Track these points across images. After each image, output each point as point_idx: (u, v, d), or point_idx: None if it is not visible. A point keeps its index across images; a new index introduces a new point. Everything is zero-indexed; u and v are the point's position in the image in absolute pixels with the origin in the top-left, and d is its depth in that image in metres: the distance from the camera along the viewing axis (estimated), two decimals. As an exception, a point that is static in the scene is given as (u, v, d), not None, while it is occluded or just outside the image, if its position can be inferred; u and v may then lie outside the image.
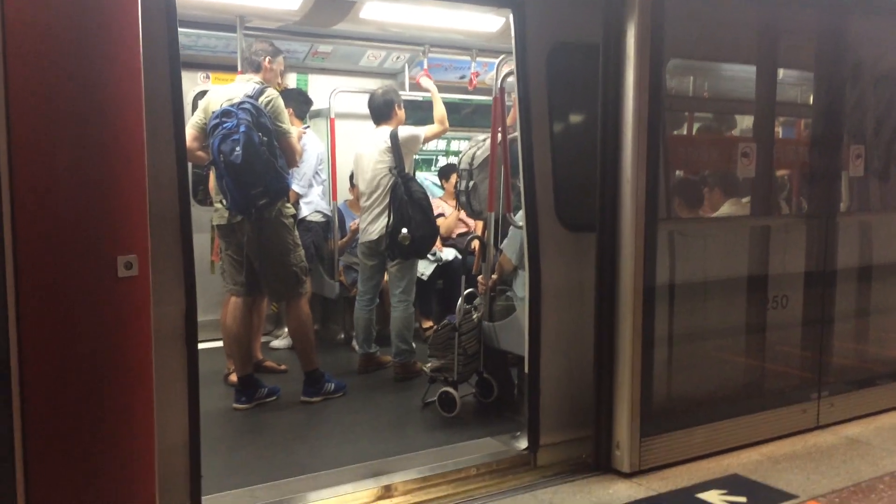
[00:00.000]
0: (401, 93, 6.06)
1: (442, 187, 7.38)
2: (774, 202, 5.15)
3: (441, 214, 7.08)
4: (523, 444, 4.09)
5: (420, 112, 6.23)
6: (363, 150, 5.77)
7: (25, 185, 2.53)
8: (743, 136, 5.12)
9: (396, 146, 5.50)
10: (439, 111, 5.66)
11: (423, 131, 5.64)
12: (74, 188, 2.61)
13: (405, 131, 5.58)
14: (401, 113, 5.73)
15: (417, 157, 7.59)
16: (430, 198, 7.26)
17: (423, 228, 5.43)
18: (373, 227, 5.64)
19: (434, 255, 6.70)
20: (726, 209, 4.86)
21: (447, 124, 5.69)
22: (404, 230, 5.39)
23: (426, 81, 5.91)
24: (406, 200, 5.43)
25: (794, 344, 4.86)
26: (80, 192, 2.62)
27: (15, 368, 2.55)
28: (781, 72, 4.97)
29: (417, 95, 6.47)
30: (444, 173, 7.30)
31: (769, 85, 4.78)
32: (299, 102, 6.08)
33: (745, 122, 5.31)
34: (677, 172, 4.72)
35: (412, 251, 5.52)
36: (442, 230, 6.69)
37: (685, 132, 5.07)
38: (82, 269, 2.64)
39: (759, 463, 4.13)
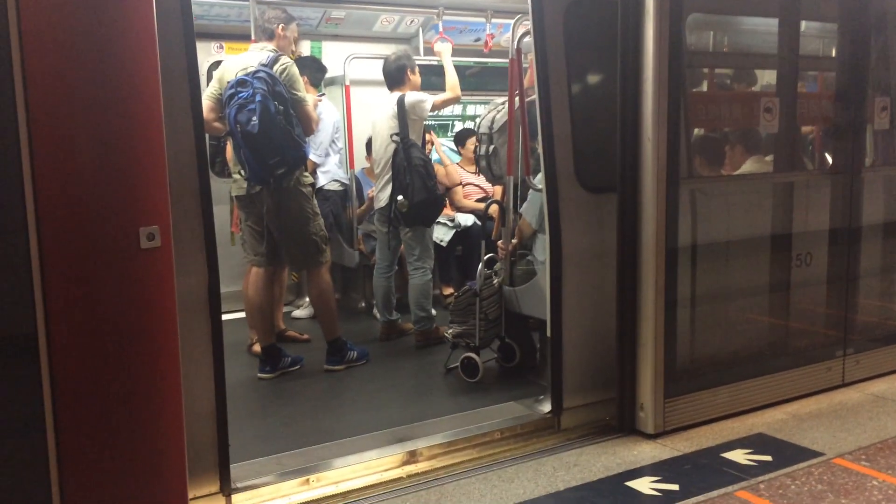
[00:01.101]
0: (416, 58, 5.97)
1: (459, 153, 7.30)
2: (798, 158, 5.06)
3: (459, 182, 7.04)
4: (547, 407, 4.10)
5: (436, 77, 6.16)
6: (377, 116, 5.72)
7: (46, 159, 2.54)
8: (765, 91, 5.02)
9: (402, 112, 5.45)
10: (451, 78, 5.58)
11: (431, 97, 5.56)
12: (94, 161, 2.62)
13: (412, 97, 5.49)
14: (414, 78, 5.63)
15: (433, 122, 7.52)
16: (451, 163, 7.27)
17: (420, 195, 5.38)
18: (383, 194, 5.61)
19: (452, 220, 6.67)
20: (748, 167, 4.79)
21: (459, 92, 5.61)
22: (400, 197, 5.37)
23: (441, 46, 5.82)
24: (405, 167, 5.39)
25: (819, 302, 4.82)
26: (100, 164, 2.63)
27: (42, 342, 2.58)
28: (804, 24, 4.86)
29: (433, 60, 6.39)
30: (460, 139, 7.20)
31: (791, 38, 4.67)
32: (314, 70, 6.03)
33: (766, 77, 5.21)
34: (698, 130, 4.65)
35: (411, 218, 5.49)
36: (448, 182, 6.76)
37: (706, 88, 4.97)
38: (105, 241, 2.65)
39: (784, 421, 4.12)
